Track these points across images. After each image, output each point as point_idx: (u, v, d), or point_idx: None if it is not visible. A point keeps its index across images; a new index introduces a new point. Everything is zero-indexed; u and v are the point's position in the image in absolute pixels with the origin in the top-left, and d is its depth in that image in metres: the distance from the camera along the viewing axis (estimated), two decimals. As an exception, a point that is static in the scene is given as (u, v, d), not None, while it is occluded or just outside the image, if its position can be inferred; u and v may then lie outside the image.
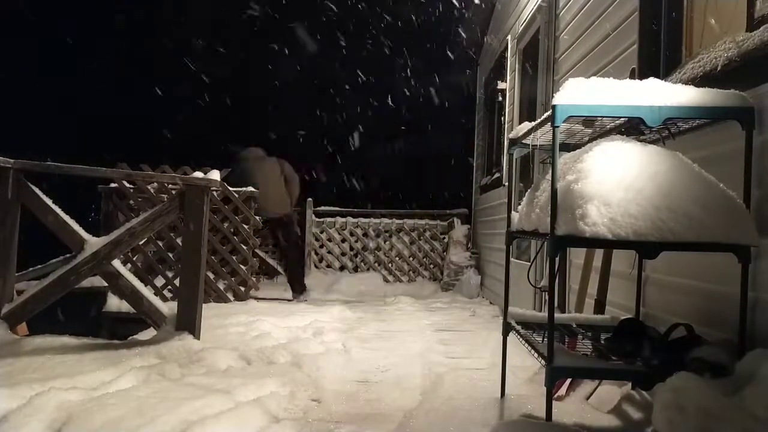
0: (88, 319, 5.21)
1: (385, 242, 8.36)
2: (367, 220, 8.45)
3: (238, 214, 6.00)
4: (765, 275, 1.93)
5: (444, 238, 8.34)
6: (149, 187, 5.74)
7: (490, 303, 6.53)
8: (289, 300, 6.52)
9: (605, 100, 1.99)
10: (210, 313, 4.30)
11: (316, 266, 8.32)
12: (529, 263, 3.41)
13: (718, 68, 2.18)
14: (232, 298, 5.79)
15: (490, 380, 3.02)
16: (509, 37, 6.30)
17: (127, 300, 3.58)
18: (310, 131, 15.38)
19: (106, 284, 4.34)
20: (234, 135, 14.97)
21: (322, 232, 8.44)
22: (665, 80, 2.24)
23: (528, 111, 5.47)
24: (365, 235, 8.40)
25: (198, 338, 3.39)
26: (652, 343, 2.07)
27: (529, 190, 2.53)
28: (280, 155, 6.84)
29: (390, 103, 14.81)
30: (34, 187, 3.43)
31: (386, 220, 8.44)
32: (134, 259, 5.68)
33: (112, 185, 5.93)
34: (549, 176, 2.07)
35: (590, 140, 2.54)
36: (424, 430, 2.33)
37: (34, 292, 3.36)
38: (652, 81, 2.09)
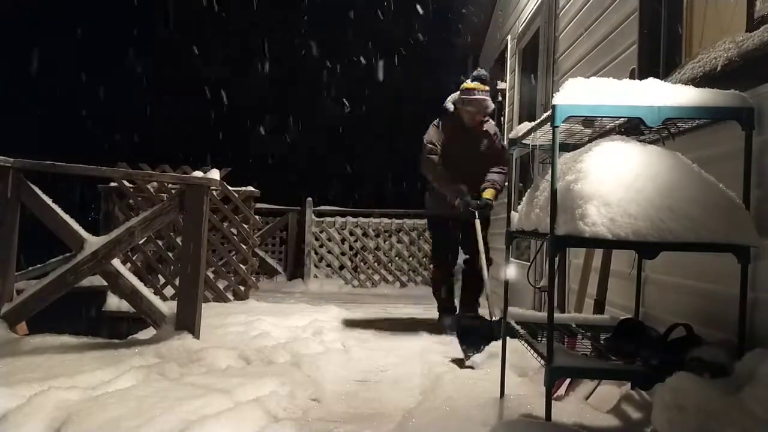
0: (88, 319, 5.22)
1: (384, 242, 8.36)
2: (366, 219, 8.44)
3: (238, 213, 6.00)
4: (765, 275, 1.93)
5: (444, 237, 8.33)
6: (149, 187, 5.74)
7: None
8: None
9: (605, 100, 1.99)
10: (210, 312, 4.30)
11: (316, 266, 8.32)
12: (529, 263, 3.41)
13: (718, 68, 2.18)
14: (231, 298, 5.80)
15: (490, 380, 3.02)
16: (509, 37, 6.30)
17: (126, 299, 3.59)
18: (310, 131, 15.38)
19: (105, 283, 4.35)
20: (234, 135, 14.98)
21: (321, 232, 8.44)
22: (665, 80, 2.24)
23: (528, 111, 5.48)
24: (365, 234, 8.40)
25: (197, 338, 3.39)
26: (652, 343, 2.07)
27: (529, 190, 2.53)
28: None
29: (390, 102, 14.82)
30: (34, 186, 3.43)
31: (386, 220, 8.44)
32: (134, 258, 5.68)
33: (112, 184, 5.94)
34: (549, 176, 2.07)
35: (590, 140, 2.54)
36: (423, 429, 2.33)
37: (33, 291, 3.36)
38: (651, 81, 2.08)
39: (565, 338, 2.52)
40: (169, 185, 5.59)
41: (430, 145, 4.60)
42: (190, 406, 2.23)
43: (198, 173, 3.74)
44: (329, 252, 8.41)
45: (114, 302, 5.15)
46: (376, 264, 8.33)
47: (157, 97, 15.18)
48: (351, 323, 4.92)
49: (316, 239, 8.41)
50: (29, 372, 2.66)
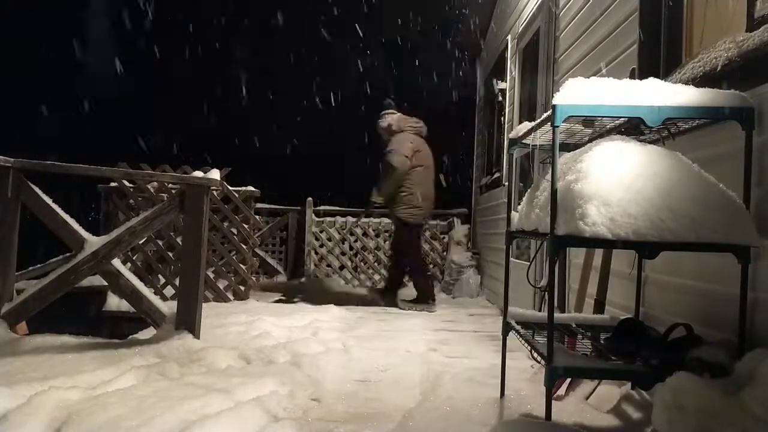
0: (88, 318, 5.22)
1: (385, 242, 8.35)
2: (367, 219, 8.43)
3: (238, 213, 6.00)
4: (765, 275, 1.93)
5: (444, 237, 8.33)
6: (149, 187, 5.74)
7: (490, 303, 6.53)
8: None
9: (605, 100, 1.99)
10: (210, 312, 4.30)
11: (316, 265, 8.32)
12: (529, 263, 3.41)
13: (718, 68, 2.18)
14: (232, 298, 5.80)
15: (490, 380, 3.02)
16: (509, 37, 6.30)
17: (126, 299, 3.58)
18: (310, 131, 15.38)
19: (105, 283, 4.35)
20: (234, 135, 14.98)
21: (321, 232, 8.44)
22: (665, 80, 2.24)
23: (528, 111, 5.47)
24: (365, 234, 8.39)
25: (198, 337, 3.39)
26: (652, 343, 2.07)
27: (529, 190, 2.53)
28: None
29: (389, 102, 14.81)
30: (34, 186, 3.43)
31: (386, 220, 8.42)
32: (134, 258, 5.68)
33: (112, 184, 5.94)
34: (549, 176, 2.07)
35: (590, 140, 2.54)
36: (423, 429, 2.33)
37: (33, 291, 3.36)
38: (652, 81, 2.08)
39: (565, 338, 2.52)
40: (170, 185, 5.59)
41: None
42: (191, 405, 2.23)
43: (198, 173, 3.73)
44: (329, 252, 8.41)
45: (114, 302, 5.15)
46: (376, 264, 8.33)
47: (158, 96, 15.18)
48: (351, 323, 4.92)
49: (316, 239, 8.40)
50: (29, 372, 2.66)
